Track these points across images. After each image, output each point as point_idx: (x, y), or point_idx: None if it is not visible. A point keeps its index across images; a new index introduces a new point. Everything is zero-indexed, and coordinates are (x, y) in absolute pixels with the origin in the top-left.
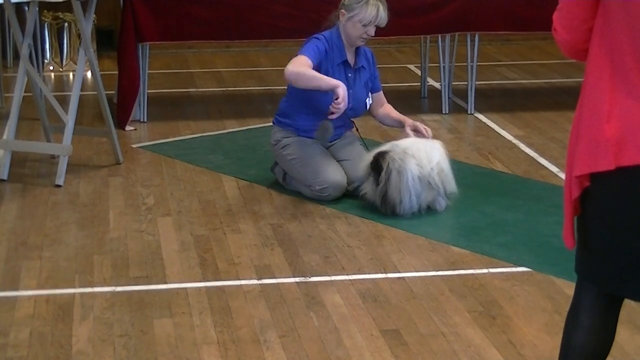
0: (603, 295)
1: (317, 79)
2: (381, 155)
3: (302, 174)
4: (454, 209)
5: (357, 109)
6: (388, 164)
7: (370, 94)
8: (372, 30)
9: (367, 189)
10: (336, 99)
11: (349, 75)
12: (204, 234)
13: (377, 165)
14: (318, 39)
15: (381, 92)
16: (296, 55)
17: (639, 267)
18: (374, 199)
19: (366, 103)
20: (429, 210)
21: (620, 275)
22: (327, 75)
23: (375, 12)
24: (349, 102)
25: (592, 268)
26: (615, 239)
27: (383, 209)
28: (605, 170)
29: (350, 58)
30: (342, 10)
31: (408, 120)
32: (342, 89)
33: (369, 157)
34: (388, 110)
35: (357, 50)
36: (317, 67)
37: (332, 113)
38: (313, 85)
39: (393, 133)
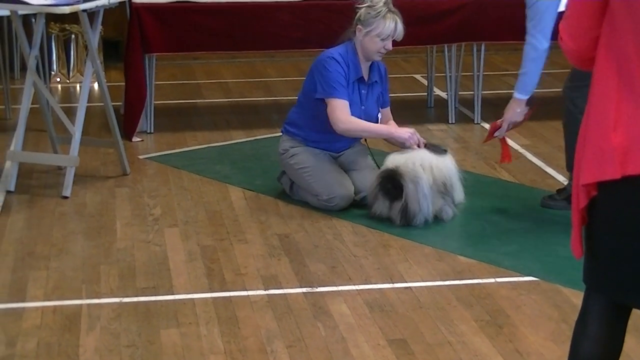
0: (611, 304)
1: (372, 133)
2: (395, 174)
3: (310, 183)
4: (461, 218)
5: None
6: (404, 178)
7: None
8: (389, 45)
9: (380, 208)
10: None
11: (362, 91)
12: (211, 244)
13: (395, 183)
14: (337, 62)
15: (388, 108)
16: (329, 95)
17: None
18: (389, 215)
19: (377, 117)
20: (436, 219)
21: (628, 285)
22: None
23: (394, 25)
24: (360, 117)
25: (600, 277)
26: (623, 248)
27: (402, 221)
28: (612, 179)
29: (365, 73)
30: (359, 26)
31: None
32: (404, 132)
33: (376, 176)
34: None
35: (371, 65)
36: None
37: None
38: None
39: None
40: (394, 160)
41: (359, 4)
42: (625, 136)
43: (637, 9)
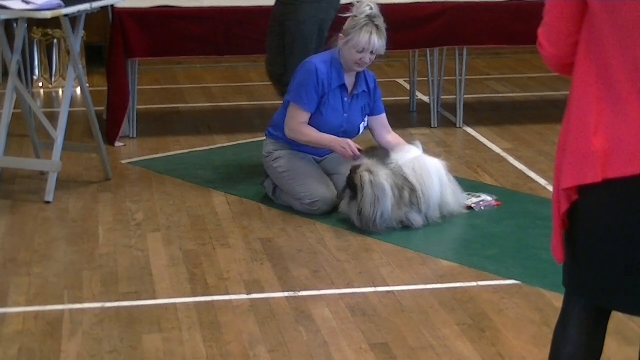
0: (591, 307)
1: (316, 143)
2: (353, 171)
3: (293, 187)
4: (443, 223)
5: (350, 132)
6: (361, 177)
7: (367, 117)
8: (367, 58)
9: (344, 205)
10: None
11: (345, 99)
12: (194, 249)
13: (352, 181)
14: (316, 72)
15: (383, 115)
16: (294, 100)
17: (627, 279)
18: (349, 214)
19: (359, 128)
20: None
21: (608, 288)
22: (325, 97)
23: (368, 38)
24: (342, 125)
25: (580, 281)
26: (603, 252)
27: (360, 224)
28: (593, 183)
29: (350, 82)
30: (341, 35)
31: None
32: (342, 144)
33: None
34: (397, 141)
35: (358, 75)
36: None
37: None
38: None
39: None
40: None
41: (346, 13)
42: (605, 140)
43: (618, 13)
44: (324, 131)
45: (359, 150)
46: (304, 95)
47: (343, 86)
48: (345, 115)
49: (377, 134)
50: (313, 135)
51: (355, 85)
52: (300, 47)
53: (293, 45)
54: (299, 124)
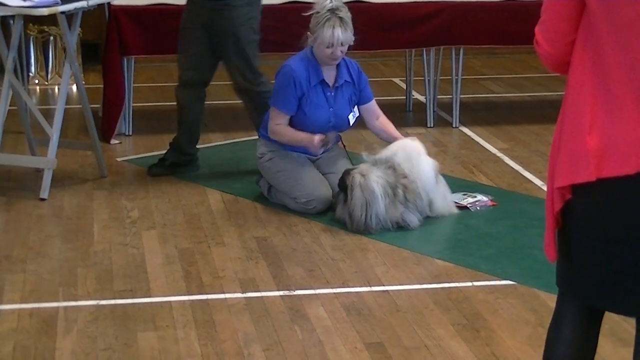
0: (584, 307)
1: (293, 141)
2: (345, 174)
3: (288, 186)
4: (439, 222)
5: (339, 126)
6: (352, 179)
7: (357, 107)
8: (337, 51)
9: (338, 209)
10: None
11: (328, 94)
12: (189, 247)
13: (343, 184)
14: (291, 74)
15: (373, 102)
16: (272, 104)
17: (620, 279)
18: (343, 218)
19: (349, 119)
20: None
21: (601, 288)
22: (305, 97)
23: (330, 33)
24: (329, 120)
25: (573, 280)
26: (596, 251)
27: (352, 227)
28: (587, 182)
29: (330, 76)
30: (309, 33)
31: (399, 137)
32: (312, 142)
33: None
34: (384, 124)
35: (339, 66)
36: (297, 104)
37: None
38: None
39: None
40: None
41: (309, 12)
42: (600, 139)
43: (616, 13)
44: (312, 128)
45: (327, 142)
46: (281, 98)
47: (323, 81)
48: (331, 109)
49: (367, 122)
50: (289, 134)
51: (336, 78)
52: (243, 52)
53: (235, 51)
54: (276, 125)
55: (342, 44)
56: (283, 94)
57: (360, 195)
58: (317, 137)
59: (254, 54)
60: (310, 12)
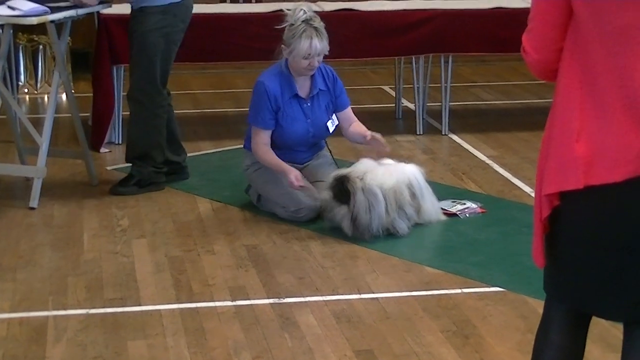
0: (572, 313)
1: (273, 167)
2: (340, 179)
3: (277, 195)
4: (428, 229)
5: (318, 135)
6: (352, 184)
7: (335, 114)
8: (314, 61)
9: (329, 215)
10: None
11: (305, 105)
12: (179, 255)
13: (344, 189)
14: (264, 89)
15: (348, 109)
16: (251, 122)
17: (607, 285)
18: (339, 224)
19: (327, 127)
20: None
21: (588, 293)
22: (281, 111)
23: (308, 44)
24: (308, 131)
25: (560, 286)
26: (584, 258)
27: (354, 232)
28: (575, 189)
29: (304, 86)
30: (283, 46)
31: (367, 132)
32: (291, 176)
33: (329, 182)
34: (356, 127)
35: (313, 75)
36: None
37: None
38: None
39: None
40: (345, 169)
41: (280, 24)
42: (588, 146)
43: (605, 20)
44: (292, 140)
45: (302, 186)
46: (258, 116)
47: (297, 95)
48: (309, 120)
49: (342, 128)
50: (272, 161)
51: (311, 87)
52: (145, 59)
53: (139, 56)
54: (260, 145)
55: (318, 54)
56: (259, 110)
57: (363, 199)
58: (295, 176)
59: (162, 65)
60: (283, 25)
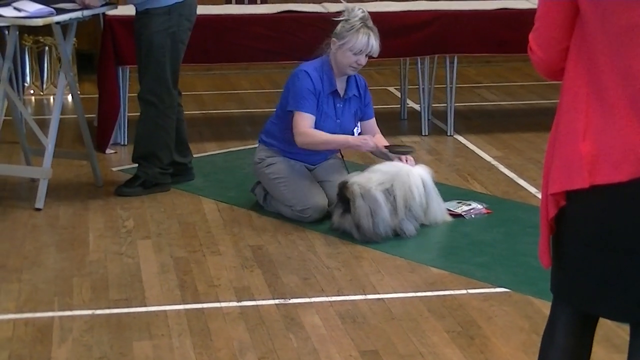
0: (578, 314)
1: (330, 144)
2: (342, 186)
3: (284, 193)
4: (433, 230)
5: None
6: (351, 191)
7: (359, 122)
8: (362, 60)
9: (337, 219)
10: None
11: (338, 105)
12: (184, 256)
13: (343, 195)
14: (308, 76)
15: (373, 119)
16: (296, 108)
17: (613, 286)
18: (344, 228)
19: (353, 132)
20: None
21: (594, 295)
22: (319, 104)
23: (366, 40)
24: (335, 132)
25: (566, 287)
26: (590, 258)
27: (360, 237)
28: (580, 189)
29: (340, 87)
30: (334, 39)
31: (393, 157)
32: (355, 141)
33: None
34: (378, 139)
35: (349, 79)
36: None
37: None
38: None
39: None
40: (349, 175)
41: (337, 17)
42: (594, 146)
43: (610, 20)
44: None
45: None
46: (304, 101)
47: (335, 92)
48: (338, 121)
49: None
50: (324, 136)
51: (346, 90)
52: (154, 60)
53: (147, 58)
54: (307, 128)
55: (371, 53)
56: (304, 96)
57: (363, 204)
58: (363, 139)
59: (171, 65)
60: (340, 19)
